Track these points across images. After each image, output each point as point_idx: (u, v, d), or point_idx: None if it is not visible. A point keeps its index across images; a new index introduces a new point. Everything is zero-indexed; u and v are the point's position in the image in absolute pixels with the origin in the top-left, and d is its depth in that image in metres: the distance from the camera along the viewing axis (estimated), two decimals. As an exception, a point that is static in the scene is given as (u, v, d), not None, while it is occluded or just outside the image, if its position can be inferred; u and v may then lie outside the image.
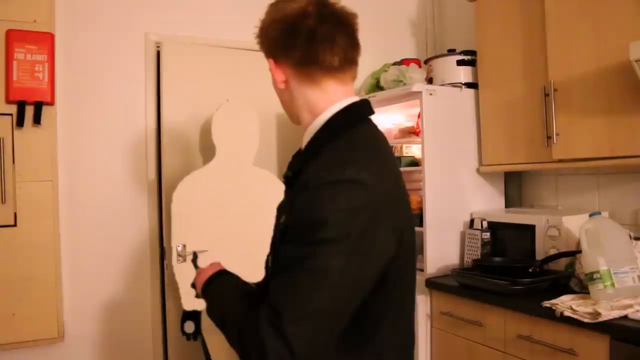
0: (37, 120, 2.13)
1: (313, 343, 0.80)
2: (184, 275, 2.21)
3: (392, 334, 0.95)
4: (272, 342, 0.78)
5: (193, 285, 1.16)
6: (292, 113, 1.03)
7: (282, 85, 0.99)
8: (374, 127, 1.00)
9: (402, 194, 0.96)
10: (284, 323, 0.78)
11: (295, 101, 1.00)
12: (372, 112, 1.02)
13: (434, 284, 2.28)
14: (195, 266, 1.29)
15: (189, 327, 2.16)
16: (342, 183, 0.83)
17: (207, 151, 2.50)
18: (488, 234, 2.34)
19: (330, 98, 0.97)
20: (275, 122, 2.78)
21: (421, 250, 2.50)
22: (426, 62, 2.77)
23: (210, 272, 1.09)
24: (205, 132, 2.52)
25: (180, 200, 2.24)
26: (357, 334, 0.90)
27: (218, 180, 2.30)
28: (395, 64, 2.81)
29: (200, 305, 1.23)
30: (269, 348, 0.78)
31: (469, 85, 2.54)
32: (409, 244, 0.95)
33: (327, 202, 0.82)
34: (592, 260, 1.71)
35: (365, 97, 2.70)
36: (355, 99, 1.00)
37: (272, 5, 0.99)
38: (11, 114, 2.11)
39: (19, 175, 2.13)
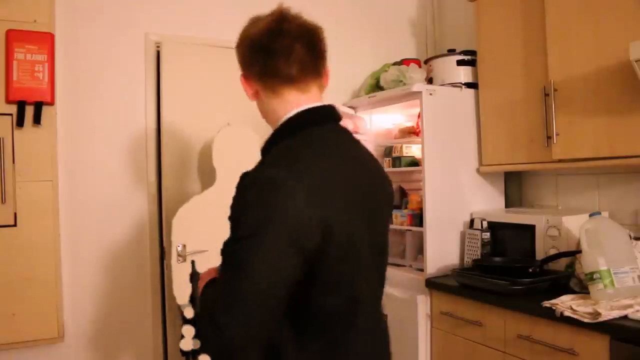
0: (37, 120, 2.13)
1: (245, 331, 0.88)
2: (182, 277, 2.22)
3: (345, 330, 1.00)
4: (209, 332, 0.89)
5: (192, 300, 1.17)
6: (267, 121, 1.13)
7: (252, 98, 1.11)
8: (331, 128, 1.07)
9: (340, 191, 0.98)
10: (216, 314, 0.88)
11: (265, 110, 1.11)
12: (332, 115, 1.09)
13: (434, 284, 2.29)
14: (194, 282, 1.28)
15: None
16: (257, 183, 0.93)
17: (206, 164, 2.49)
18: (488, 234, 2.34)
19: (289, 106, 1.05)
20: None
21: (421, 250, 2.50)
22: (426, 62, 2.77)
23: (208, 278, 1.11)
24: (205, 153, 2.52)
25: (180, 227, 2.24)
26: (305, 325, 0.98)
27: (218, 206, 2.29)
28: (395, 64, 2.81)
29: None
30: (209, 338, 0.89)
31: (469, 85, 2.54)
32: (347, 241, 0.97)
33: (243, 200, 0.93)
34: (592, 260, 1.72)
35: (364, 97, 2.71)
36: (315, 104, 1.06)
37: (243, 28, 1.10)
38: (11, 114, 2.10)
39: (19, 175, 2.13)
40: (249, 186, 0.93)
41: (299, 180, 0.91)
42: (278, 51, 1.02)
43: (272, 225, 0.89)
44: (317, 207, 0.92)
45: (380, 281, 1.15)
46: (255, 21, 1.07)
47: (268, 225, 0.89)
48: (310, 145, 1.01)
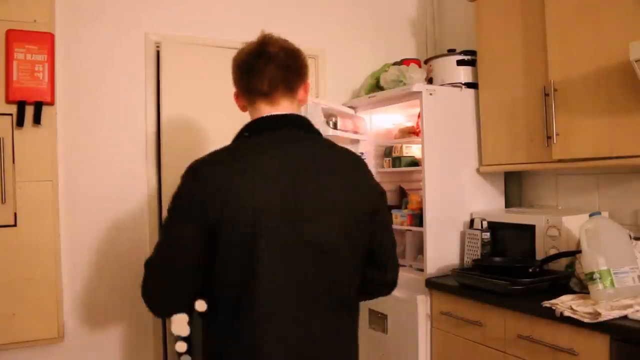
0: (37, 120, 2.13)
1: (157, 287, 1.18)
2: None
3: (242, 312, 1.11)
4: (142, 281, 1.18)
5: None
6: None
7: (242, 110, 1.32)
8: (286, 133, 1.20)
9: (264, 184, 1.11)
10: (144, 271, 1.17)
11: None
12: (295, 123, 1.23)
13: (434, 284, 2.29)
14: None
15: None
16: (185, 173, 1.17)
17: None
18: (488, 234, 2.34)
19: (258, 115, 1.24)
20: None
21: (421, 250, 2.50)
22: (426, 62, 2.77)
23: None
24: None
25: None
26: (216, 299, 1.15)
27: None
28: (395, 64, 2.81)
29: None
30: (141, 287, 1.19)
31: (469, 85, 2.54)
32: (247, 228, 1.09)
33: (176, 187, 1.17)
34: (592, 260, 1.72)
35: (364, 97, 2.71)
36: (273, 113, 1.23)
37: (236, 52, 1.28)
38: (11, 114, 2.10)
39: (19, 175, 2.12)
40: (182, 176, 1.17)
41: (214, 168, 1.13)
42: (254, 70, 1.21)
43: (180, 206, 1.14)
44: (223, 193, 1.09)
45: (319, 282, 1.15)
46: (244, 47, 1.26)
47: (177, 206, 1.14)
48: (250, 144, 1.18)
